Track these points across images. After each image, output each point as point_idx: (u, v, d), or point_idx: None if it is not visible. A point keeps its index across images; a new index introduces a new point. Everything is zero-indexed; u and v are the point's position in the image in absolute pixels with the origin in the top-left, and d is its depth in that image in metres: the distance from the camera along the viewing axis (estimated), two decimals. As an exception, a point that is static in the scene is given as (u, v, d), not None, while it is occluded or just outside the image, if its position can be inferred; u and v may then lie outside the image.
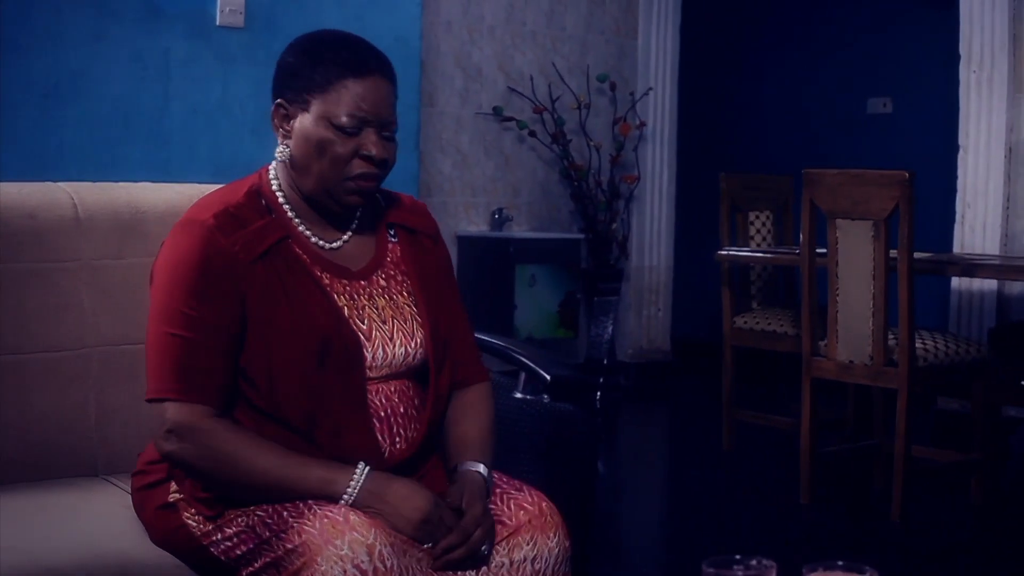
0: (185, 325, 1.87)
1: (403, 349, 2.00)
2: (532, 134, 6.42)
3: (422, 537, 1.85)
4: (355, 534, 1.76)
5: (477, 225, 6.36)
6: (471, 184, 6.33)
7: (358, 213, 2.05)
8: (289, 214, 1.99)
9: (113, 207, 2.35)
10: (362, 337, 1.95)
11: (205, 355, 1.87)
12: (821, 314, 4.24)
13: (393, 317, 2.00)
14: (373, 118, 1.93)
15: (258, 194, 1.99)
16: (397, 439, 1.98)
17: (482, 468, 1.99)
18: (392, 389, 2.00)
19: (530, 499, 1.96)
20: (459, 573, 1.87)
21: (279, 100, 1.97)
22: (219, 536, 1.89)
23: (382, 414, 1.97)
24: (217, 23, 4.30)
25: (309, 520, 1.80)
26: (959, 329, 5.39)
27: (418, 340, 2.01)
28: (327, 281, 1.97)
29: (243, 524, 1.87)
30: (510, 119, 6.36)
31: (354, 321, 1.96)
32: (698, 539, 4.02)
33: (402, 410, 2.00)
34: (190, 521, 1.92)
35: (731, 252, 4.92)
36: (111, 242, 2.32)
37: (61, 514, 2.04)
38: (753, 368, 6.02)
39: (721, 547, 3.84)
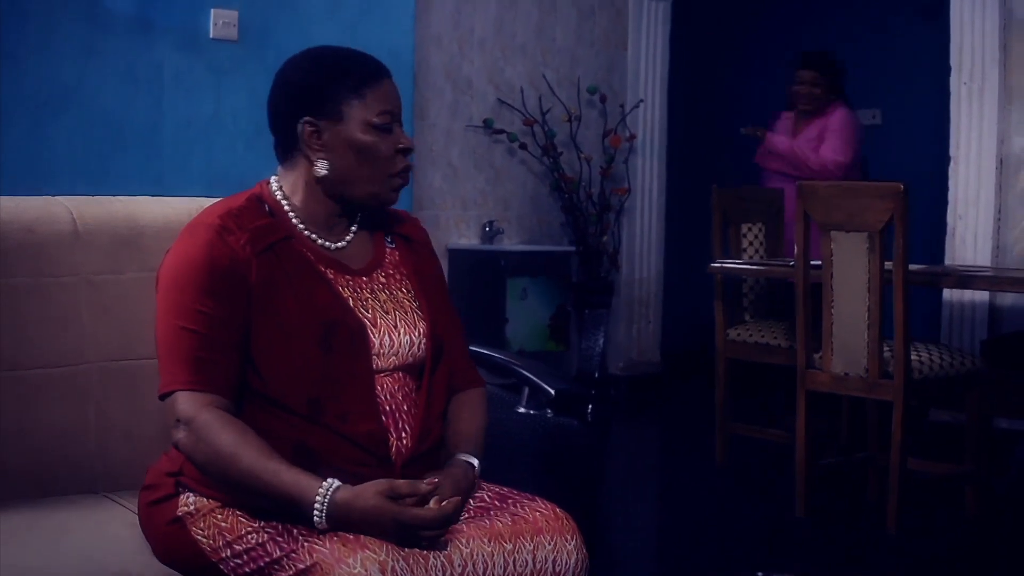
0: (197, 321, 1.92)
1: (408, 338, 2.05)
2: (523, 147, 6.41)
3: (404, 541, 1.80)
4: (367, 552, 1.76)
5: (468, 238, 6.35)
6: (462, 197, 6.32)
7: (358, 217, 2.11)
8: (292, 219, 2.05)
9: (112, 222, 2.34)
10: (367, 323, 2.01)
11: (215, 349, 1.91)
12: (815, 326, 4.24)
13: (395, 309, 2.06)
14: (397, 112, 2.05)
15: (260, 199, 2.05)
16: (403, 434, 2.01)
17: (474, 461, 2.04)
18: (396, 384, 2.03)
19: (544, 506, 2.00)
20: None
21: (307, 119, 2.00)
22: (228, 553, 1.88)
23: (387, 408, 2.00)
24: (211, 36, 4.30)
25: (319, 539, 1.80)
26: (951, 340, 5.40)
27: (421, 330, 2.07)
28: (331, 276, 2.03)
29: (254, 541, 1.87)
30: (500, 132, 6.36)
31: (358, 310, 2.02)
32: (693, 553, 4.01)
33: (406, 407, 2.03)
34: (199, 537, 1.91)
35: (724, 264, 4.91)
36: (110, 257, 2.31)
37: (62, 533, 2.02)
38: (745, 381, 6.01)
39: (717, 561, 3.85)
